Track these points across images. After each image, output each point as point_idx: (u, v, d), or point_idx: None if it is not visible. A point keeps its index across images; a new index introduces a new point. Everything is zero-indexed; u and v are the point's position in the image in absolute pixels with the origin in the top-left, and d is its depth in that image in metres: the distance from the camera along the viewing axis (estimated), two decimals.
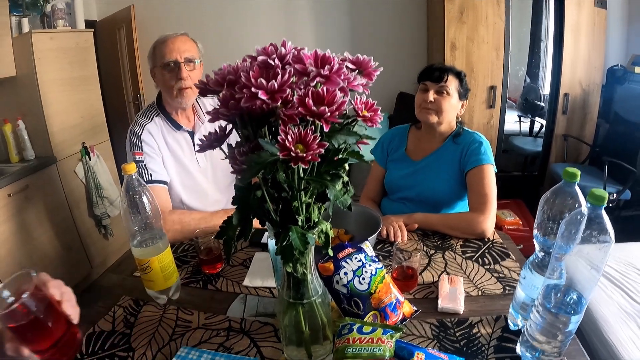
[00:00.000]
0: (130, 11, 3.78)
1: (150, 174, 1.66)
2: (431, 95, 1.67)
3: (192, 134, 1.80)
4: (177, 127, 1.77)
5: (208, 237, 1.37)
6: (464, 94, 1.72)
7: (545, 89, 3.85)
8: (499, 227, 2.84)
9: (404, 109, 1.70)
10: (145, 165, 1.66)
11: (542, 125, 3.94)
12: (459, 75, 1.69)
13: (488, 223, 1.53)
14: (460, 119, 1.79)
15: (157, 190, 1.65)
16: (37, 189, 2.68)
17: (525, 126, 4.22)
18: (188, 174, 1.79)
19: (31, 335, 0.72)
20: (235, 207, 0.70)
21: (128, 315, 1.18)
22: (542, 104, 3.91)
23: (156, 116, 1.75)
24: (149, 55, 1.71)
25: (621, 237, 2.96)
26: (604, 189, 2.91)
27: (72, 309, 0.78)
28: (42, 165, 2.75)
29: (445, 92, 1.67)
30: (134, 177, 1.09)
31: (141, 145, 1.67)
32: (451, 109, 1.70)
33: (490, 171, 1.64)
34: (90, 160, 3.06)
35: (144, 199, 1.11)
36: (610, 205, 3.04)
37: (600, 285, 1.88)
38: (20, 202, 2.54)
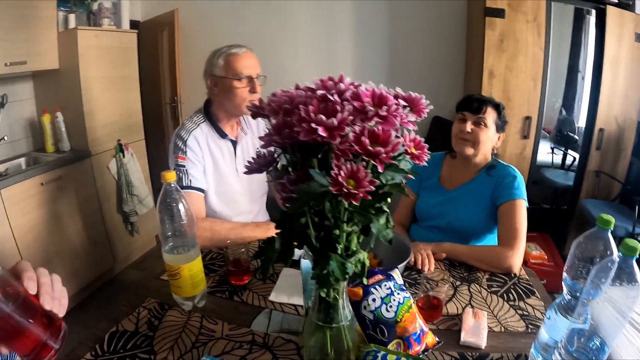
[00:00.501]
0: (174, 15, 3.86)
1: (190, 180, 1.70)
2: (469, 127, 1.67)
3: (234, 143, 1.85)
4: (223, 135, 1.81)
5: (237, 248, 1.39)
6: (501, 126, 1.72)
7: (580, 122, 3.79)
8: (524, 260, 2.81)
9: (438, 133, 1.71)
10: (186, 170, 1.70)
11: (574, 158, 3.88)
12: (498, 108, 1.69)
13: (516, 259, 1.52)
14: (495, 151, 1.79)
15: (193, 197, 1.69)
16: (70, 181, 2.75)
17: (558, 158, 4.16)
18: (224, 182, 1.82)
19: (6, 335, 0.65)
20: (266, 220, 0.71)
21: (152, 318, 1.21)
22: (576, 137, 3.86)
23: (203, 122, 1.79)
24: (213, 64, 1.75)
25: None
26: (633, 228, 2.87)
27: (52, 302, 0.70)
28: (77, 158, 2.83)
29: (483, 123, 1.67)
30: (172, 185, 1.12)
31: (185, 150, 1.72)
32: (488, 141, 1.70)
33: (523, 206, 1.63)
34: (124, 157, 3.13)
35: (180, 206, 1.14)
36: None
37: (622, 330, 1.84)
38: (52, 191, 2.61)
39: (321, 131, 0.56)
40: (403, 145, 0.66)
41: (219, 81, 1.74)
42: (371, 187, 0.58)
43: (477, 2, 3.35)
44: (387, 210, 0.69)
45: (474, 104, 1.68)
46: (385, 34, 3.98)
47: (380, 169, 0.58)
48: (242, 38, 3.94)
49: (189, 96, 3.95)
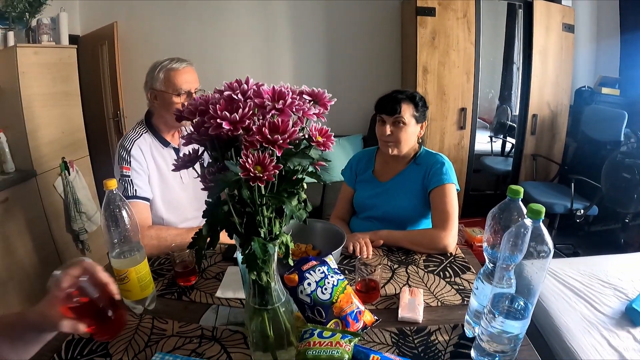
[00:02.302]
0: (113, 28, 3.84)
1: (135, 190, 1.72)
2: (388, 129, 1.75)
3: (177, 150, 1.87)
4: (165, 143, 1.84)
5: (183, 251, 1.43)
6: (420, 116, 1.77)
7: (517, 110, 4.00)
8: (469, 244, 2.94)
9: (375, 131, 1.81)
10: (131, 180, 1.72)
11: (512, 145, 4.09)
12: (413, 100, 1.75)
13: (450, 239, 1.62)
14: (420, 140, 1.87)
15: (139, 206, 1.71)
16: (16, 202, 2.69)
17: (497, 146, 4.36)
18: (170, 190, 1.85)
19: (87, 314, 0.85)
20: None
21: None
22: (513, 124, 4.06)
23: (145, 132, 1.82)
24: (153, 78, 1.76)
25: (591, 251, 3.08)
26: (571, 205, 3.06)
27: (117, 291, 0.90)
28: (22, 179, 2.76)
29: (401, 122, 1.73)
30: (114, 192, 1.16)
31: (129, 160, 1.73)
32: (410, 137, 1.77)
33: (452, 190, 1.72)
34: (69, 175, 3.08)
35: (124, 213, 1.17)
36: (579, 221, 3.17)
37: (563, 296, 1.99)
38: None
39: (225, 125, 0.63)
40: (304, 133, 0.73)
41: (158, 95, 1.76)
42: (275, 170, 0.65)
43: (409, 2, 3.50)
44: (304, 195, 0.77)
45: (388, 105, 1.73)
46: (322, 36, 4.11)
47: (278, 153, 0.65)
48: (182, 49, 3.99)
49: (132, 110, 3.93)
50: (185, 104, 0.73)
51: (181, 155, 1.81)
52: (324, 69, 4.21)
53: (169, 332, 1.19)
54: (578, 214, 3.13)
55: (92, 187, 3.40)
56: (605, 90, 3.77)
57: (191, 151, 0.78)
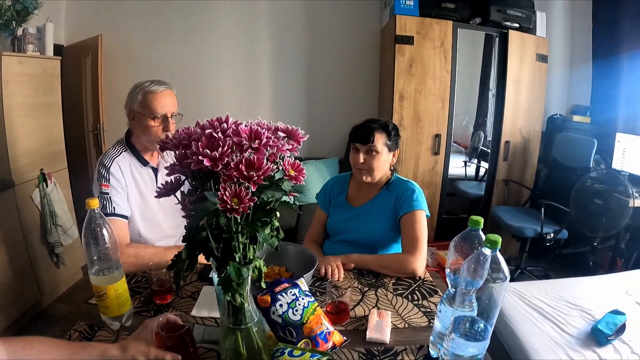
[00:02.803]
0: (98, 40, 3.84)
1: (114, 207, 1.74)
2: (361, 158, 1.81)
3: (155, 170, 1.90)
4: (144, 162, 1.87)
5: (160, 270, 1.46)
6: (393, 145, 1.84)
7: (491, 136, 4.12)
8: (442, 267, 3.00)
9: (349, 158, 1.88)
10: (110, 197, 1.74)
11: (486, 170, 4.19)
12: (386, 129, 1.81)
13: (418, 263, 1.68)
14: (392, 167, 1.94)
15: (117, 224, 1.72)
16: None
17: (471, 170, 4.48)
18: (148, 208, 1.88)
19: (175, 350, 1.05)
20: (185, 244, 0.83)
21: (83, 339, 1.25)
22: (488, 150, 4.18)
23: (124, 151, 1.84)
24: (132, 98, 1.79)
25: (562, 273, 3.15)
26: (541, 229, 3.15)
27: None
28: (0, 188, 2.75)
29: (374, 151, 1.79)
30: (96, 211, 1.19)
31: (109, 178, 1.75)
32: (382, 165, 1.84)
33: (422, 216, 1.79)
34: (47, 187, 3.06)
35: (104, 231, 1.21)
36: (548, 244, 3.27)
37: (530, 318, 2.06)
38: None
39: (206, 162, 0.69)
40: (279, 169, 0.80)
41: (136, 116, 1.79)
42: (250, 203, 0.71)
43: (389, 31, 3.60)
44: (276, 223, 0.83)
45: (361, 134, 1.80)
46: (302, 60, 4.21)
47: (253, 189, 0.72)
48: (165, 65, 4.04)
49: (112, 124, 3.93)
50: (169, 135, 0.79)
51: (159, 176, 1.87)
52: (304, 93, 4.29)
53: None
54: (548, 237, 3.23)
55: (69, 200, 3.37)
56: (576, 117, 3.93)
57: (173, 180, 0.83)
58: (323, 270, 1.62)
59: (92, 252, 1.22)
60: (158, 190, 0.84)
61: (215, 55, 4.15)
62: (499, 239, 0.89)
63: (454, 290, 1.10)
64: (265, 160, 0.73)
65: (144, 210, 1.87)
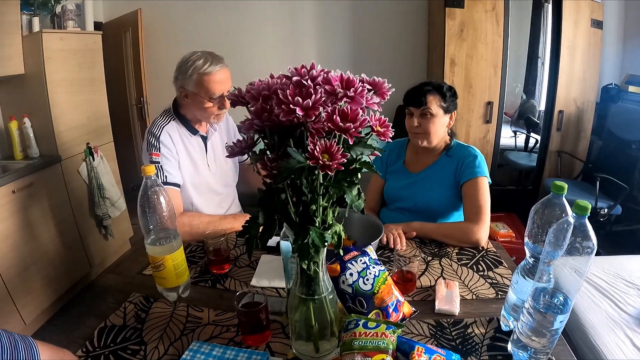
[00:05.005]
0: (137, 15, 3.85)
1: (166, 176, 1.71)
2: (416, 121, 1.74)
3: (205, 138, 1.87)
4: (194, 132, 1.83)
5: (216, 239, 1.43)
6: (449, 106, 1.75)
7: (541, 106, 3.96)
8: (492, 238, 2.91)
9: (403, 121, 1.78)
10: (161, 166, 1.71)
11: (537, 140, 4.03)
12: (441, 90, 1.73)
13: (482, 232, 1.61)
14: (451, 130, 1.86)
15: (170, 192, 1.68)
16: (41, 187, 2.72)
17: (521, 141, 4.31)
18: (200, 177, 1.85)
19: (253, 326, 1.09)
20: (241, 212, 0.77)
21: (139, 311, 1.24)
22: (537, 120, 4.01)
23: (173, 120, 1.80)
24: (185, 77, 1.69)
25: (612, 250, 3.04)
26: (596, 204, 3.01)
27: None
28: (47, 164, 2.79)
29: (428, 114, 1.72)
30: (152, 178, 1.16)
31: (159, 147, 1.72)
32: (439, 128, 1.76)
33: (485, 183, 1.71)
34: (93, 160, 3.10)
35: (161, 199, 1.18)
36: (602, 219, 3.13)
37: (589, 295, 1.97)
38: (24, 199, 2.58)
39: (299, 111, 0.62)
40: (369, 124, 0.72)
41: (190, 95, 1.72)
42: (343, 159, 0.64)
43: None
44: (358, 184, 0.76)
45: (414, 97, 1.73)
46: (348, 27, 4.07)
47: (350, 142, 0.65)
48: (206, 36, 3.99)
49: (155, 96, 3.96)
50: (245, 88, 0.72)
51: (209, 145, 1.83)
52: (350, 60, 4.17)
53: (205, 320, 1.20)
54: (602, 212, 3.09)
55: (115, 173, 3.43)
56: (632, 88, 3.70)
57: (247, 137, 0.77)
58: (385, 239, 1.57)
59: (148, 221, 1.19)
60: (230, 148, 0.78)
61: (256, 23, 4.06)
62: (589, 205, 0.81)
63: (532, 260, 1.03)
64: (359, 112, 0.66)
65: (195, 178, 1.84)
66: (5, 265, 2.41)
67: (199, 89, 1.68)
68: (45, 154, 2.87)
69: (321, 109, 0.65)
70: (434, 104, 1.71)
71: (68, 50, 2.94)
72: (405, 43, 4.06)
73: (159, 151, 1.73)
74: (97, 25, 3.72)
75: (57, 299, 2.81)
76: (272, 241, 1.50)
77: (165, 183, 1.71)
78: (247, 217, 0.79)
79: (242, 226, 0.79)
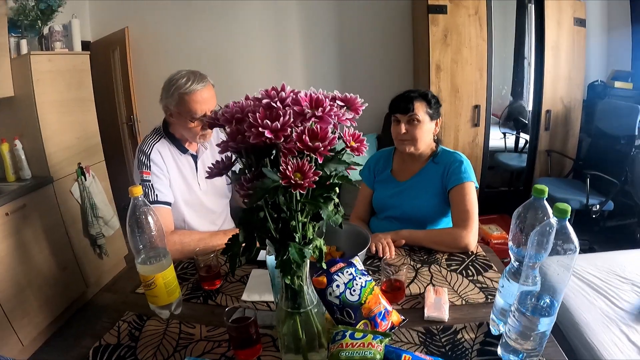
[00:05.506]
0: (124, 33, 3.87)
1: (157, 195, 1.71)
2: (403, 128, 1.75)
3: (195, 157, 1.87)
4: (183, 150, 1.84)
5: (207, 255, 1.44)
6: (434, 113, 1.77)
7: (529, 106, 3.98)
8: (485, 241, 2.93)
9: (391, 131, 1.82)
10: (152, 185, 1.71)
11: (526, 141, 4.06)
12: (426, 98, 1.76)
13: (471, 237, 1.62)
14: (436, 137, 1.87)
15: (161, 211, 1.69)
16: (34, 209, 2.71)
17: (511, 142, 4.33)
18: (192, 194, 1.86)
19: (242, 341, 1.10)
20: (233, 228, 0.79)
21: (133, 330, 1.25)
22: (526, 120, 4.04)
23: (163, 138, 1.81)
24: (168, 95, 1.70)
25: (606, 246, 3.06)
26: (587, 201, 3.03)
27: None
28: (39, 185, 2.79)
29: (415, 120, 1.73)
30: (140, 198, 1.17)
31: (149, 165, 1.73)
32: (425, 134, 1.77)
33: (472, 188, 1.72)
34: (85, 180, 3.10)
35: (150, 219, 1.19)
36: (595, 216, 3.15)
37: (583, 293, 1.98)
38: (17, 221, 2.57)
39: (267, 133, 0.64)
40: (341, 140, 0.74)
41: (174, 114, 1.73)
42: (315, 177, 0.66)
43: (421, 1, 3.48)
44: (336, 199, 0.78)
45: (401, 104, 1.75)
46: (333, 36, 4.11)
47: (320, 161, 0.66)
48: (194, 52, 4.01)
49: (146, 114, 3.98)
50: (215, 111, 0.74)
51: (199, 164, 1.83)
52: (336, 70, 4.21)
53: (197, 336, 1.20)
54: (594, 209, 3.11)
55: (108, 192, 3.42)
56: (618, 84, 3.75)
57: (224, 158, 0.79)
58: (374, 248, 1.58)
59: (137, 241, 1.20)
60: (209, 170, 0.80)
61: (243, 37, 4.10)
62: (568, 207, 0.83)
63: (517, 263, 1.04)
64: (329, 130, 0.68)
65: (187, 196, 1.85)
66: (2, 287, 2.40)
67: (180, 109, 1.69)
68: (37, 175, 2.87)
69: (291, 129, 0.66)
70: (421, 111, 1.73)
71: (56, 71, 2.95)
72: (391, 51, 4.10)
73: (150, 169, 1.73)
74: (85, 45, 3.72)
75: (54, 319, 2.80)
76: (262, 255, 1.51)
77: (156, 202, 1.71)
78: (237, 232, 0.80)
79: (225, 244, 0.80)
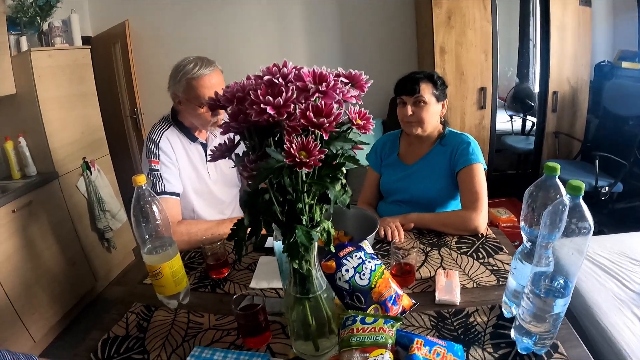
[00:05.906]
0: (124, 26, 3.85)
1: (164, 185, 1.69)
2: (409, 110, 1.73)
3: (205, 145, 1.84)
4: (193, 139, 1.81)
5: (214, 244, 1.43)
6: (440, 95, 1.75)
7: (536, 88, 3.93)
8: (494, 224, 2.90)
9: (397, 114, 1.79)
10: (160, 174, 1.69)
11: (533, 123, 4.01)
12: (432, 79, 1.73)
13: (480, 219, 1.60)
14: (444, 119, 1.84)
15: (168, 202, 1.68)
16: (41, 205, 2.72)
17: (517, 125, 4.29)
18: (202, 183, 1.84)
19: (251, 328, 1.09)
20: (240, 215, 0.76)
21: (141, 320, 1.24)
22: (532, 103, 3.99)
23: (172, 126, 1.78)
24: (175, 81, 1.67)
25: (616, 228, 3.05)
26: (596, 183, 3.00)
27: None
28: (45, 181, 2.79)
29: (421, 102, 1.71)
30: (144, 187, 1.15)
31: (158, 154, 1.70)
32: (432, 116, 1.75)
33: (480, 170, 1.70)
34: (91, 174, 3.10)
35: (154, 208, 1.17)
36: (604, 198, 3.12)
37: (594, 275, 1.96)
38: (24, 218, 2.58)
39: (269, 110, 0.62)
40: (348, 117, 0.72)
41: (182, 101, 1.70)
42: (321, 155, 0.64)
43: None
44: (343, 179, 0.75)
45: (407, 85, 1.72)
46: (336, 20, 4.06)
47: (325, 137, 0.64)
48: (194, 42, 3.98)
49: (149, 106, 3.97)
50: (216, 91, 0.72)
51: (209, 150, 1.81)
52: (340, 54, 4.16)
53: (206, 325, 1.20)
54: (603, 191, 3.08)
55: (114, 185, 3.43)
56: (625, 64, 3.69)
57: (227, 141, 0.77)
58: (382, 232, 1.57)
59: (142, 231, 1.19)
60: (211, 153, 0.78)
61: (244, 24, 4.05)
62: (582, 184, 0.80)
63: (530, 244, 1.02)
64: (334, 106, 0.65)
65: (197, 185, 1.83)
66: (11, 284, 2.41)
67: (188, 95, 1.65)
68: (43, 172, 2.87)
69: (295, 106, 0.64)
70: (427, 92, 1.71)
71: (57, 66, 2.94)
72: (394, 34, 4.05)
73: (159, 158, 1.71)
74: (86, 40, 3.71)
75: (64, 314, 2.81)
76: (269, 242, 1.49)
77: (164, 192, 1.69)
78: None
79: (231, 229, 0.79)
